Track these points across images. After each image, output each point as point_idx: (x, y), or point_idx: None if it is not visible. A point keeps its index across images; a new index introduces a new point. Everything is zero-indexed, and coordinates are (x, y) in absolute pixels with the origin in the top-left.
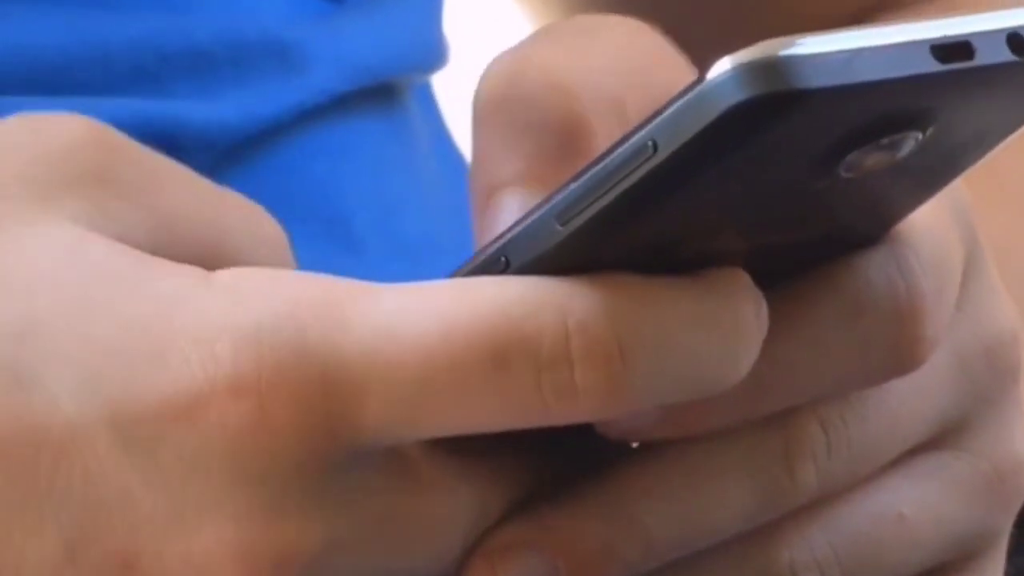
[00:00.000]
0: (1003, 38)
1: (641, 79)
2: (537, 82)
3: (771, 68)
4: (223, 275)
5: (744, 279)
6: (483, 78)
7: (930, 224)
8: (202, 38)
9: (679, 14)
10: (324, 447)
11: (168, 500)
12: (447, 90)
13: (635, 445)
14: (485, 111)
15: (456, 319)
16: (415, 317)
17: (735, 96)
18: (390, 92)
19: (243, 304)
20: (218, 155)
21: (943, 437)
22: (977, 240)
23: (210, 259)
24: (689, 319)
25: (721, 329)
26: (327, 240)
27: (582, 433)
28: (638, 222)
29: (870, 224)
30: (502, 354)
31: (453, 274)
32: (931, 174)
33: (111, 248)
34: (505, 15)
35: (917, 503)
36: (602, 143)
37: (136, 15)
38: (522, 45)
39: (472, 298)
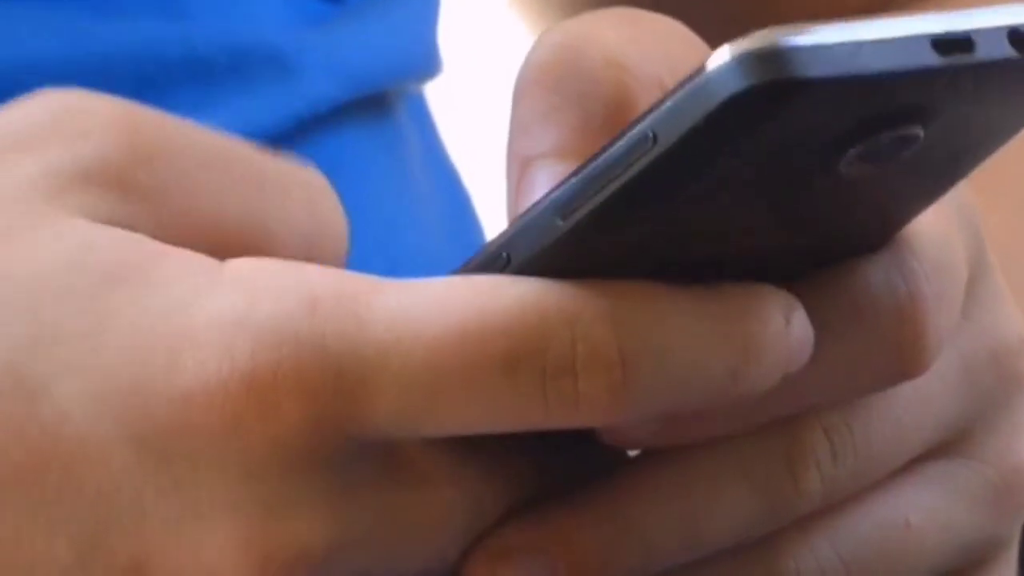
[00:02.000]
0: (1004, 34)
1: (682, 72)
2: (594, 56)
3: (771, 57)
4: (237, 266)
5: (764, 294)
6: (536, 46)
7: (933, 228)
8: (201, 45)
9: (680, 10)
10: (332, 441)
11: (180, 503)
12: (441, 99)
13: (636, 452)
14: (534, 78)
15: (470, 321)
16: (430, 316)
17: (735, 85)
18: (383, 103)
19: (260, 299)
20: None
21: (949, 444)
22: (983, 246)
23: (228, 252)
24: (695, 330)
25: (727, 343)
26: None
27: (583, 437)
28: (639, 217)
29: (873, 229)
30: (512, 359)
31: (457, 270)
32: (933, 178)
33: (120, 244)
34: (499, 24)
35: (924, 511)
36: None
37: (135, 22)
38: (575, 21)
39: (487, 300)
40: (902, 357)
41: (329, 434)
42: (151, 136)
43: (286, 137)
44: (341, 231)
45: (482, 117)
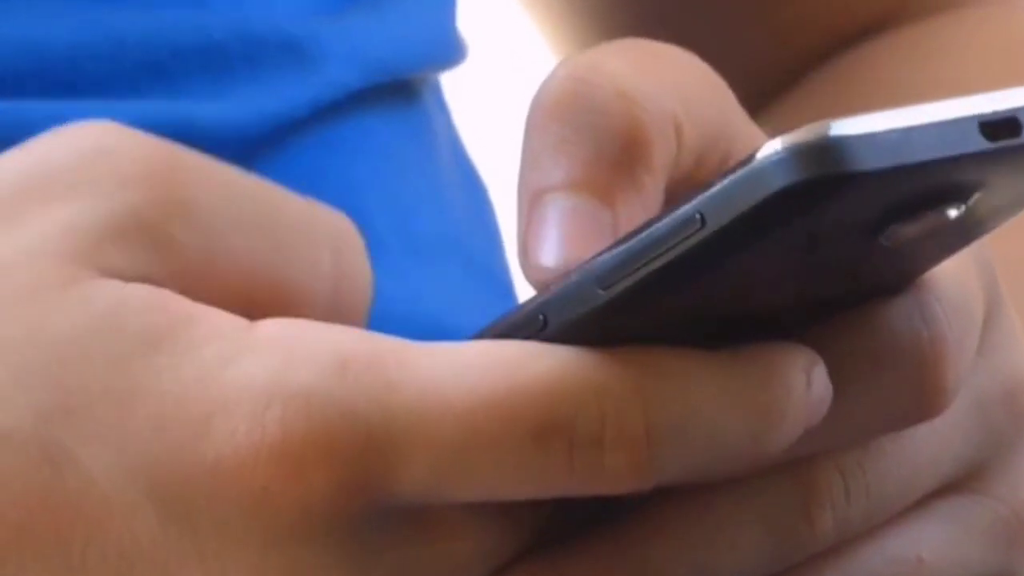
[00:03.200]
0: None
1: (696, 106)
2: (606, 88)
3: (822, 151)
4: (265, 328)
5: (786, 357)
6: (548, 79)
7: (953, 272)
8: (216, 33)
9: (683, 23)
10: (357, 508)
11: (203, 572)
12: (458, 94)
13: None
14: (545, 111)
15: (501, 391)
16: (462, 384)
17: (786, 178)
18: (406, 89)
19: (290, 364)
20: (232, 155)
21: (962, 481)
22: (996, 283)
23: (255, 303)
24: (718, 401)
25: (751, 410)
26: None
27: None
28: (679, 292)
29: (898, 277)
30: (542, 431)
31: (489, 327)
32: (965, 234)
33: (149, 306)
34: (515, 19)
35: (936, 547)
36: (660, 161)
37: (148, 10)
38: (588, 54)
39: (518, 371)
40: (921, 400)
41: (355, 501)
42: (185, 186)
43: (302, 123)
44: (365, 280)
45: (494, 112)
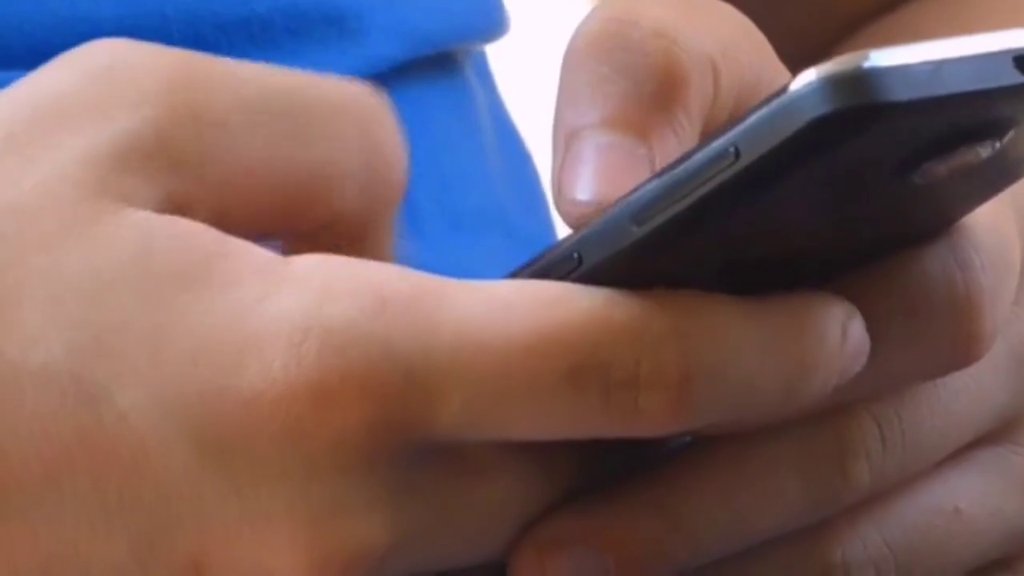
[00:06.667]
0: None
1: (734, 54)
2: (644, 28)
3: (856, 81)
4: (301, 264)
5: (822, 307)
6: (585, 20)
7: (990, 219)
8: (259, 6)
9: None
10: (394, 443)
11: (240, 506)
12: (503, 64)
13: (687, 440)
14: (583, 49)
15: (539, 331)
16: (499, 323)
17: (820, 108)
18: (449, 61)
19: (327, 299)
20: None
21: (999, 432)
22: None
23: (290, 211)
24: (754, 347)
25: (786, 358)
26: None
27: None
28: (714, 227)
29: (932, 222)
30: (577, 372)
31: (526, 265)
32: (1000, 175)
33: (180, 242)
34: None
35: (973, 497)
36: (697, 102)
37: None
38: None
39: (556, 310)
40: (956, 349)
41: (392, 437)
42: (196, 93)
43: None
44: (398, 155)
45: (542, 81)
